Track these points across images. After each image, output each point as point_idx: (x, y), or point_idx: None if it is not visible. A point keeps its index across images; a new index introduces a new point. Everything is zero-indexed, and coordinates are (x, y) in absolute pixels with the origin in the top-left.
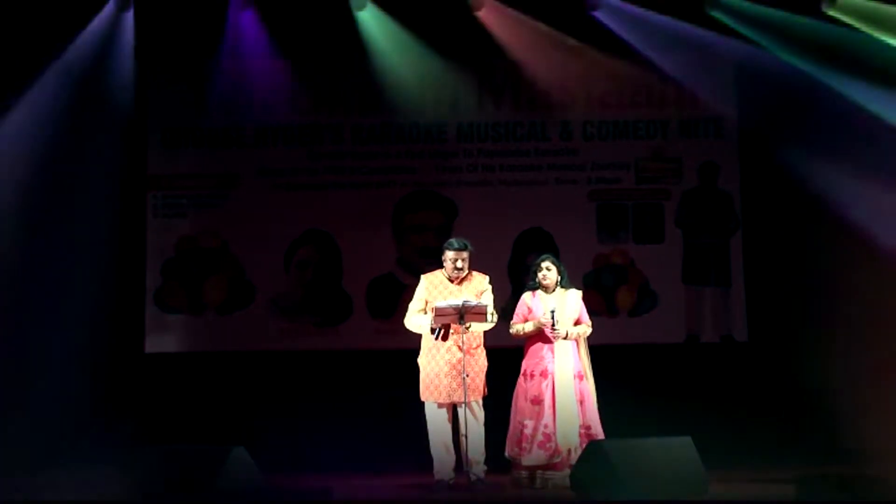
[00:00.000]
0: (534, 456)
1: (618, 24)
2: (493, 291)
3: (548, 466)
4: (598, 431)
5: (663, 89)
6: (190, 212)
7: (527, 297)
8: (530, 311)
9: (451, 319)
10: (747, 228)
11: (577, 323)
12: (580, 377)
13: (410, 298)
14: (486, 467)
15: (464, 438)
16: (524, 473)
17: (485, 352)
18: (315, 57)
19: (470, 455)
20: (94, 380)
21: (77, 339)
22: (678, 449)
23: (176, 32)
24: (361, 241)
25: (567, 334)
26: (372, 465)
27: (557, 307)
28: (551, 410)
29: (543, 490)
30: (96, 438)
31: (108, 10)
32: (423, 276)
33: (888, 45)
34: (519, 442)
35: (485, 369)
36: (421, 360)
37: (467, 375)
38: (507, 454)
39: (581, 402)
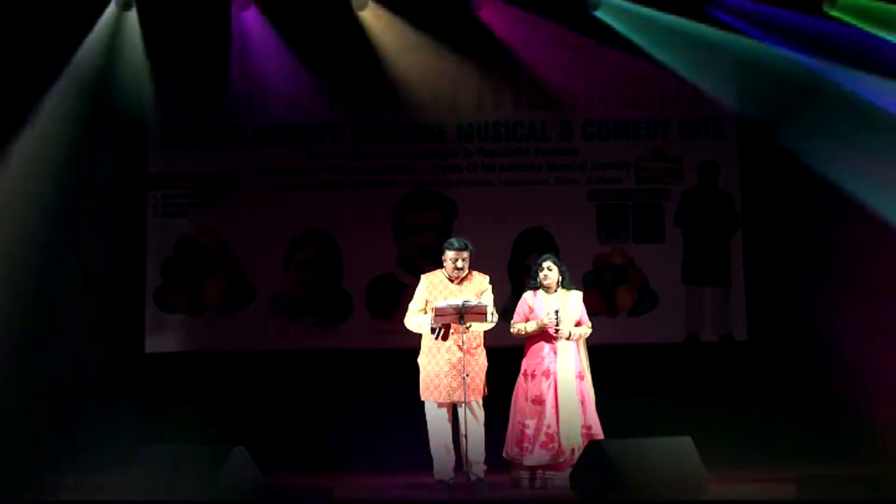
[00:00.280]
0: (535, 456)
1: (618, 23)
2: (494, 291)
3: (550, 466)
4: (599, 431)
5: (663, 89)
6: (190, 211)
7: (528, 296)
8: (531, 310)
9: (451, 319)
10: (747, 228)
11: (577, 324)
12: (581, 377)
13: (410, 298)
14: (486, 467)
15: (464, 438)
16: (525, 473)
17: (485, 351)
18: (315, 57)
19: (470, 455)
20: (95, 380)
21: (77, 339)
22: (678, 449)
23: (176, 32)
24: (361, 240)
25: (569, 335)
26: (372, 465)
27: (559, 308)
28: (553, 410)
29: (543, 490)
30: (96, 438)
31: (111, 10)
32: (423, 276)
33: (889, 42)
34: (519, 442)
35: (485, 369)
36: (421, 360)
37: (467, 375)
38: (506, 454)
39: (582, 402)
